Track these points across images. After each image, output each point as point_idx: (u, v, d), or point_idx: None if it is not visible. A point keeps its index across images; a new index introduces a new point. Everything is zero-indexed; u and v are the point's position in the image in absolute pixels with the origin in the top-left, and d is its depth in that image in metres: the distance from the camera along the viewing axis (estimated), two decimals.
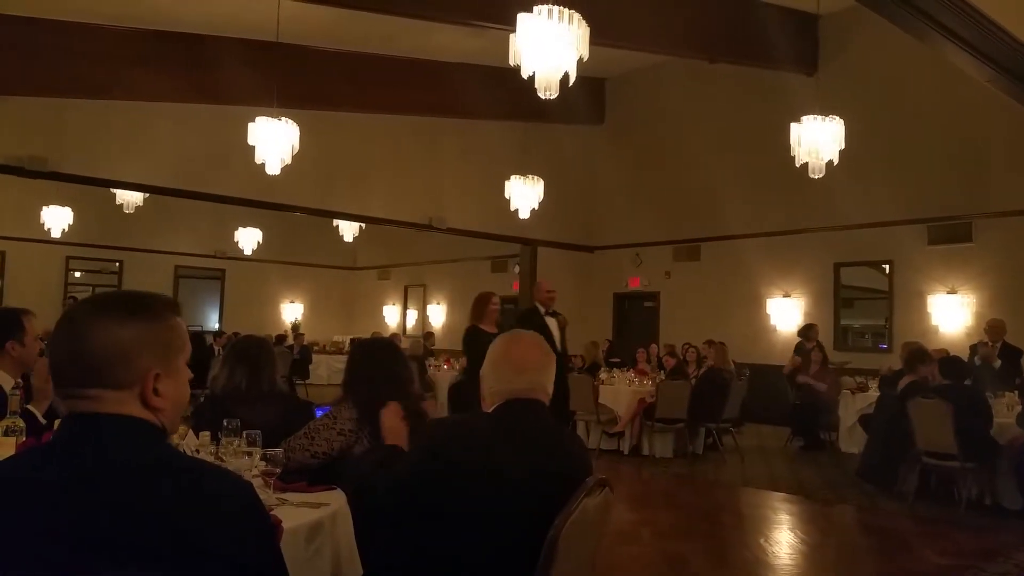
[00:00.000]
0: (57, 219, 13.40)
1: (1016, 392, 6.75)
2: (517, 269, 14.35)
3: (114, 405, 1.19)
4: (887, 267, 10.99)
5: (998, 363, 7.77)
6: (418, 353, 11.57)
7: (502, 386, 2.03)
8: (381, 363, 2.99)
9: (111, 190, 11.94)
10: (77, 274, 16.63)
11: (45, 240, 14.15)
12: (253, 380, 3.29)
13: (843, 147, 7.61)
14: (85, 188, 11.02)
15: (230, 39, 9.87)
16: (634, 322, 14.08)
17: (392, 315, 19.29)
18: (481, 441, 1.92)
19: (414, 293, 18.88)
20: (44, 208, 13.43)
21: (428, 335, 15.32)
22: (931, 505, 6.23)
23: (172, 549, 1.11)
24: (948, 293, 10.23)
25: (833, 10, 10.77)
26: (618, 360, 11.67)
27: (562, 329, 6.71)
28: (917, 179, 10.39)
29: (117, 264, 16.83)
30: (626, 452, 8.66)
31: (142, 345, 1.22)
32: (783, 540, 5.41)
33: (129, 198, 12.40)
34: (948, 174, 10.18)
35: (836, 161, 7.63)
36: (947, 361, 6.56)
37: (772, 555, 4.93)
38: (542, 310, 6.73)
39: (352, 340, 18.16)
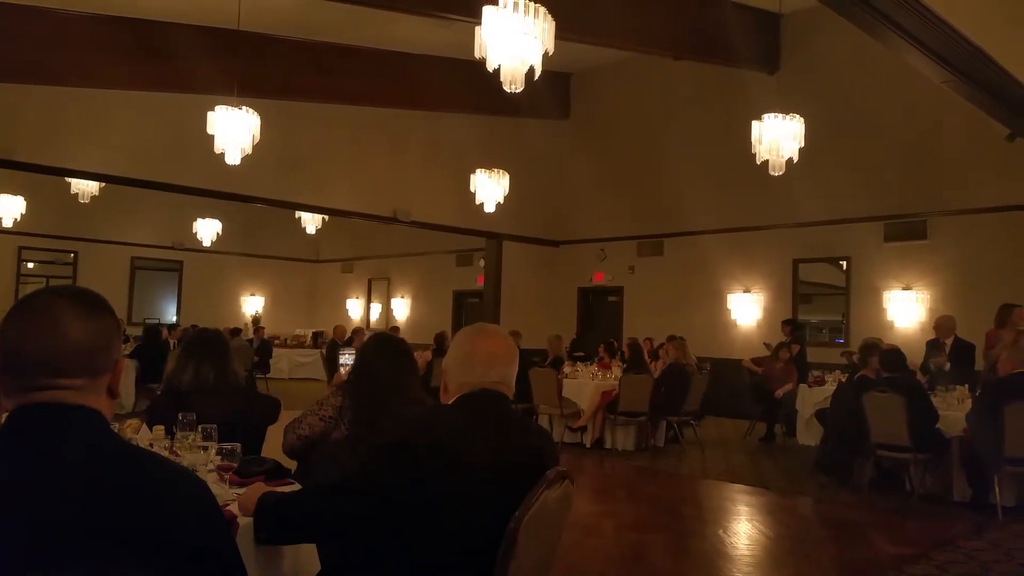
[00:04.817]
0: (9, 208, 13.03)
1: (967, 386, 6.88)
2: (482, 263, 14.32)
3: (79, 396, 1.20)
4: (844, 263, 11.20)
5: (947, 366, 7.82)
6: None
7: (470, 379, 2.01)
8: (385, 360, 3.13)
9: (66, 179, 11.63)
10: (30, 265, 16.17)
11: None
12: (220, 374, 3.28)
13: (803, 145, 7.75)
14: (39, 176, 10.70)
15: (190, 26, 9.66)
16: (598, 316, 14.16)
17: (355, 309, 19.13)
18: (447, 431, 1.90)
19: (378, 286, 18.74)
20: None
21: (394, 330, 15.21)
22: (885, 496, 6.38)
23: (134, 539, 1.11)
24: (903, 289, 10.46)
25: (795, 9, 10.93)
26: (582, 354, 11.74)
27: None
28: (874, 177, 10.61)
29: (72, 255, 16.41)
30: (588, 445, 8.71)
31: (113, 336, 1.27)
32: (742, 531, 5.50)
33: (85, 187, 12.09)
34: (904, 173, 10.41)
35: (796, 159, 7.77)
36: (886, 353, 6.62)
37: (731, 546, 5.01)
38: None
39: (315, 333, 18.01)
